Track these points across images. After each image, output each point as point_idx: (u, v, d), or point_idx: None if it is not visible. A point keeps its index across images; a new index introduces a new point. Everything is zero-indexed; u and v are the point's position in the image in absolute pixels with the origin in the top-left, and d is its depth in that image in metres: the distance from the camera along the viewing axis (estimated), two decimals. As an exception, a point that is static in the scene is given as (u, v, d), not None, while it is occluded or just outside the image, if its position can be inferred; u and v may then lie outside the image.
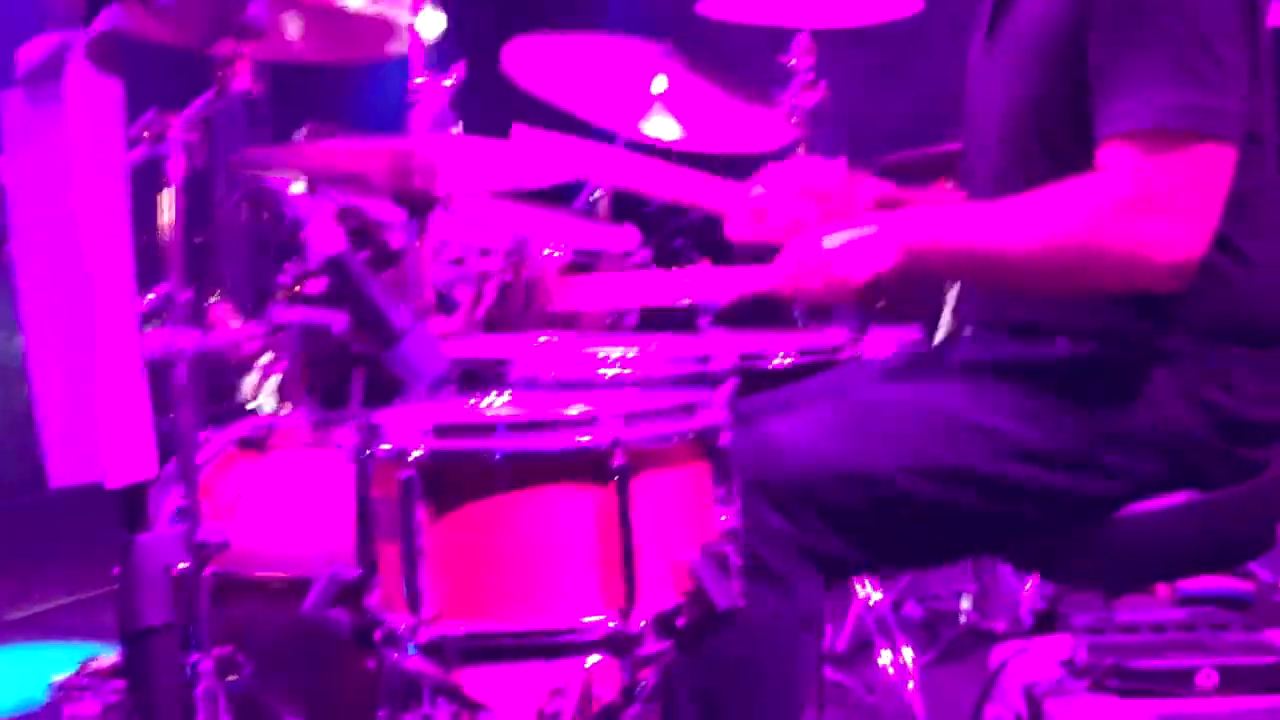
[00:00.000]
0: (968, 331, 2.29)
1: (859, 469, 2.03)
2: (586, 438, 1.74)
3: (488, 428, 1.76)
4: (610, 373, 2.17)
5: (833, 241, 2.06)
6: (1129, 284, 1.97)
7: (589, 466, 1.74)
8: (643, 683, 1.90)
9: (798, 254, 2.09)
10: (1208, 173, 1.93)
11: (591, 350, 2.28)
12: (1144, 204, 1.92)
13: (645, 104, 3.54)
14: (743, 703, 2.03)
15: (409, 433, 1.75)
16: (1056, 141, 2.06)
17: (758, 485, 1.96)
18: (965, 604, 3.73)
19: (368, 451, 1.79)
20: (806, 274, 2.08)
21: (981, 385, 2.09)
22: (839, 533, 2.04)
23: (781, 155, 3.54)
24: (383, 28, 2.88)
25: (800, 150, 3.59)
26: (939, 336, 2.56)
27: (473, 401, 1.96)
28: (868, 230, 2.06)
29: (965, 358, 2.19)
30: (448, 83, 2.78)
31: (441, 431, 1.75)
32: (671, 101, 3.55)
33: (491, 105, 2.98)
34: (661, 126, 3.56)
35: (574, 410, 1.78)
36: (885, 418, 2.09)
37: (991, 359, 2.14)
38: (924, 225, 2.07)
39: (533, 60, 3.44)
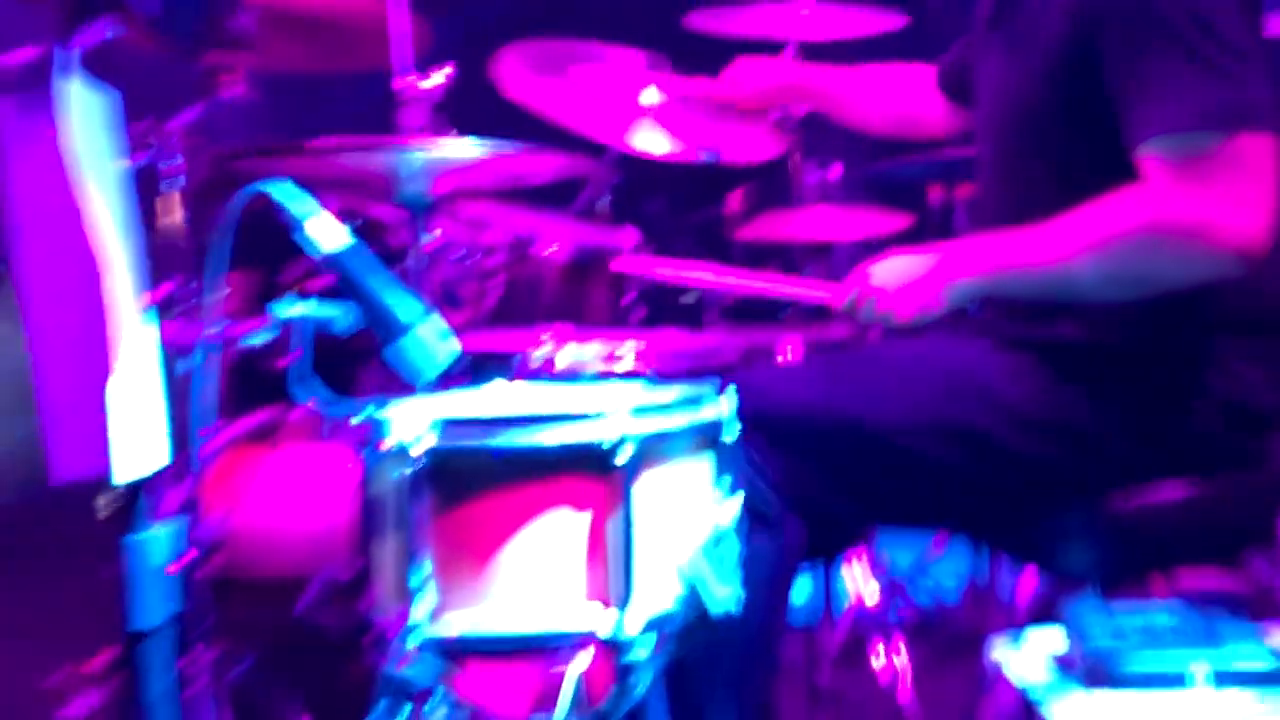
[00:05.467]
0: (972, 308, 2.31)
1: (857, 417, 2.05)
2: (591, 433, 1.74)
3: (492, 423, 1.76)
4: (615, 367, 2.18)
5: (884, 274, 2.13)
6: (1193, 274, 1.99)
7: (593, 462, 1.74)
8: (636, 683, 1.90)
9: (855, 279, 2.16)
10: (1251, 163, 1.95)
11: (596, 345, 2.28)
12: (1195, 200, 1.94)
13: (635, 115, 3.54)
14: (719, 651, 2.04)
15: (413, 428, 1.75)
16: (1048, 139, 2.09)
17: (757, 421, 1.97)
18: (959, 602, 3.74)
19: (372, 446, 1.79)
20: (860, 296, 2.14)
21: (988, 350, 2.12)
22: (832, 480, 2.06)
23: (774, 165, 3.57)
24: (371, 36, 2.89)
25: (794, 159, 3.61)
26: None
27: (477, 396, 1.97)
28: (920, 266, 2.11)
29: (973, 325, 2.21)
30: (439, 79, 2.78)
31: (445, 426, 1.75)
32: (662, 113, 3.55)
33: (481, 111, 2.99)
34: (652, 139, 3.56)
35: (579, 406, 1.78)
36: (888, 370, 2.11)
37: (997, 331, 2.16)
38: (976, 257, 2.10)
39: (523, 71, 3.44)
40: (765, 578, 2.03)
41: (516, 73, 3.39)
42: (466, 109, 2.85)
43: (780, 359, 2.43)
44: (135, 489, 1.82)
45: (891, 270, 2.12)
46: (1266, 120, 1.96)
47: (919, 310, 2.10)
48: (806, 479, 2.03)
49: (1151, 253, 1.98)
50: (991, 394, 2.06)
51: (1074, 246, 2.01)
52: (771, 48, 3.65)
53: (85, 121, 1.65)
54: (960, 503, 2.14)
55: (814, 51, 3.63)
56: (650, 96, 3.50)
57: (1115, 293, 2.06)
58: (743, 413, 1.87)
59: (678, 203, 4.25)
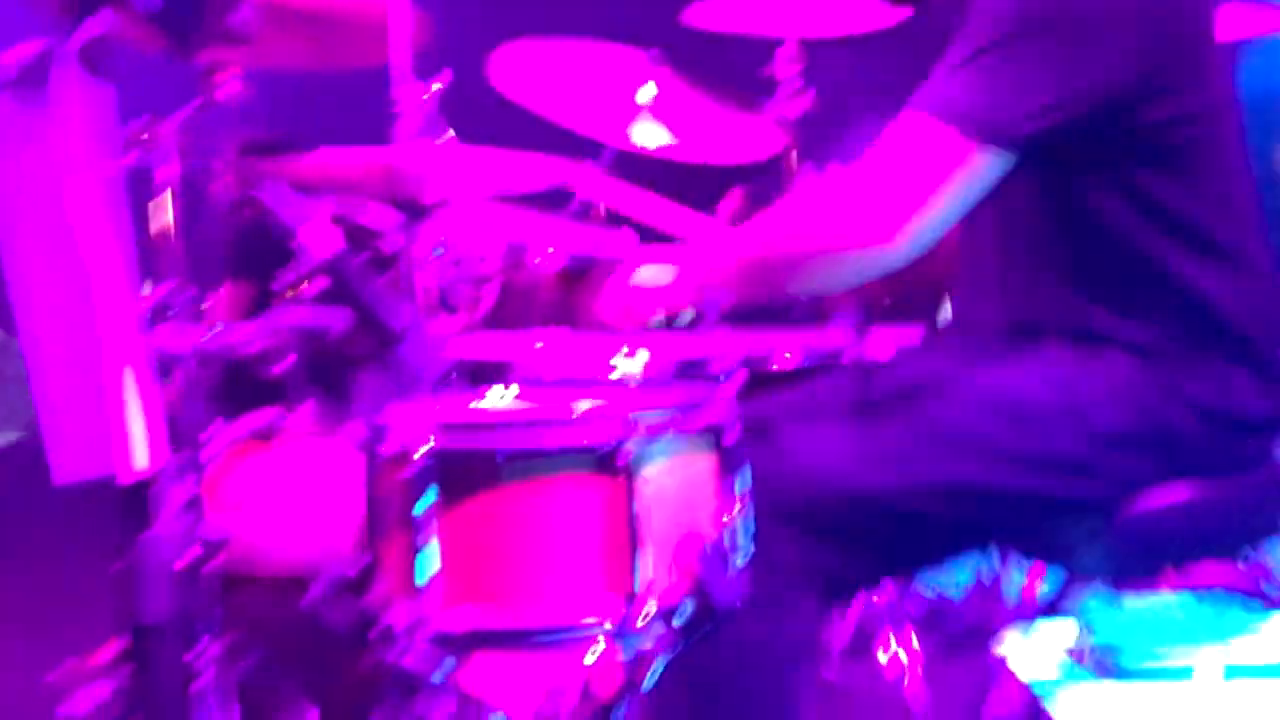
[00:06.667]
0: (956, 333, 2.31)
1: (862, 491, 2.04)
2: (592, 435, 1.73)
3: (494, 425, 1.76)
4: (615, 373, 2.18)
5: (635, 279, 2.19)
6: (847, 265, 2.04)
7: (594, 464, 1.75)
8: (642, 681, 1.90)
9: (610, 284, 2.22)
10: (948, 165, 1.95)
11: (595, 349, 2.28)
12: (867, 183, 2.00)
13: (632, 112, 3.54)
14: None
15: (416, 430, 1.74)
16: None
17: (758, 509, 1.96)
18: (967, 595, 3.73)
19: (375, 449, 1.78)
20: (608, 302, 2.21)
21: (978, 398, 2.10)
22: (845, 552, 2.05)
23: (771, 163, 3.56)
24: (369, 35, 2.89)
25: (790, 159, 3.60)
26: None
27: (479, 399, 1.96)
28: (668, 270, 2.16)
29: (959, 360, 2.20)
30: (435, 87, 2.78)
31: (448, 429, 1.75)
32: (659, 110, 3.55)
33: (478, 112, 2.99)
34: (649, 135, 3.55)
35: (580, 408, 1.78)
36: (884, 438, 2.10)
37: (983, 361, 2.15)
38: (714, 258, 2.14)
39: (519, 68, 3.44)
40: (774, 664, 2.03)
41: (512, 72, 3.38)
42: (463, 110, 2.85)
43: (778, 366, 2.42)
44: (141, 485, 1.82)
45: (640, 277, 2.18)
46: (983, 134, 1.95)
47: (656, 309, 2.13)
48: (817, 557, 2.02)
49: (818, 245, 2.05)
50: (984, 441, 2.05)
51: (777, 237, 2.08)
52: (770, 44, 3.65)
53: (81, 119, 1.64)
54: (974, 546, 2.18)
55: (814, 47, 3.63)
56: (647, 93, 3.51)
57: (807, 285, 2.14)
58: (752, 498, 1.89)
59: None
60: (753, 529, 1.89)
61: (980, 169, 1.95)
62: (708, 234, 2.22)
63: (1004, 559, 3.48)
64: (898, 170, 1.97)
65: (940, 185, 1.95)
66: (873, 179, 1.99)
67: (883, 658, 3.21)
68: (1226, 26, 3.56)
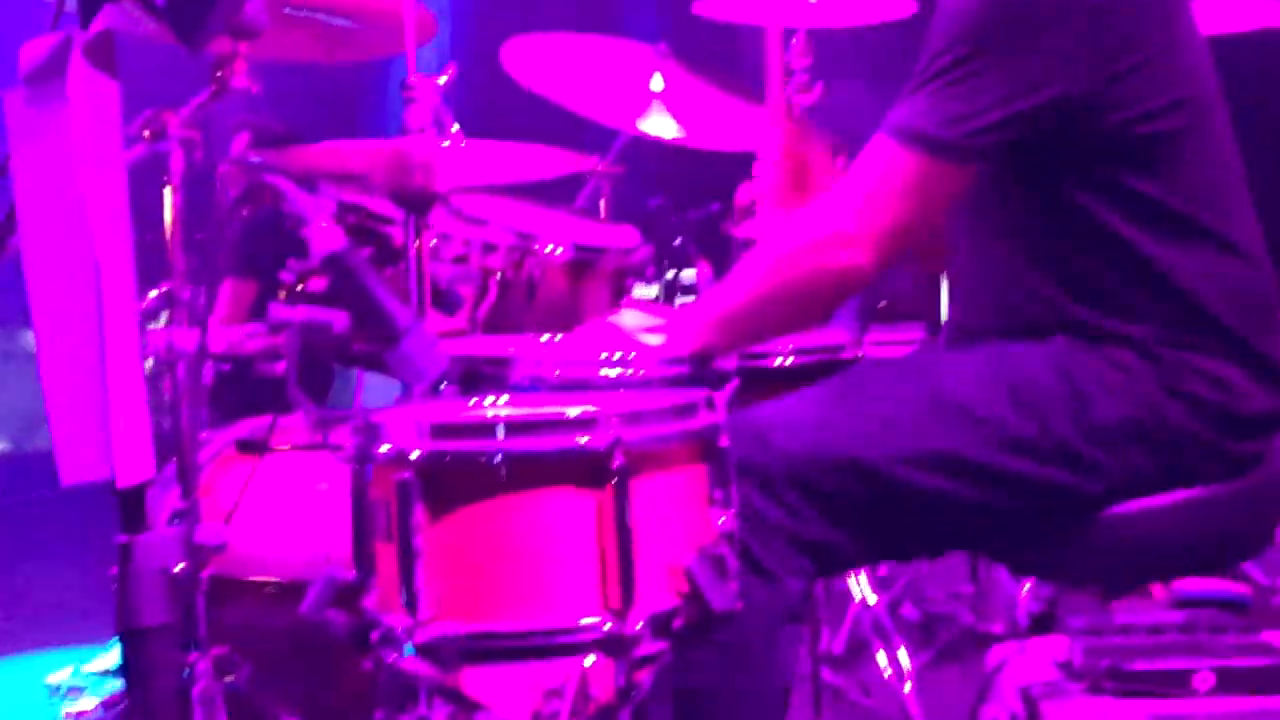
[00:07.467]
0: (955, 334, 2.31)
1: (851, 455, 2.05)
2: (585, 438, 1.73)
3: (486, 428, 1.75)
4: (611, 373, 2.18)
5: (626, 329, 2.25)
6: (824, 284, 2.09)
7: (588, 467, 1.73)
8: (639, 684, 1.90)
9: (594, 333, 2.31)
10: (900, 180, 2.04)
11: (592, 349, 2.28)
12: (837, 203, 2.07)
13: (644, 102, 3.54)
14: (725, 692, 2.05)
15: (407, 433, 1.74)
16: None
17: (750, 469, 1.97)
18: (961, 603, 3.73)
19: (366, 453, 1.78)
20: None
21: (976, 374, 2.11)
22: (831, 519, 2.05)
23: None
24: (377, 29, 2.89)
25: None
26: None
27: (472, 402, 1.96)
28: (654, 336, 2.19)
29: (959, 348, 2.20)
30: (441, 80, 2.78)
31: (439, 432, 1.75)
32: (670, 100, 3.55)
33: (489, 104, 2.99)
34: (660, 124, 3.56)
35: (573, 411, 1.78)
36: (878, 404, 2.11)
37: (983, 342, 2.16)
38: (699, 320, 2.17)
39: (531, 60, 3.44)
40: (761, 631, 2.04)
41: (525, 62, 3.39)
42: (474, 100, 2.85)
43: (778, 360, 2.43)
44: (135, 492, 1.83)
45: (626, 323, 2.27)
46: (940, 151, 2.02)
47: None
48: (806, 523, 2.03)
49: (798, 264, 2.10)
50: (975, 417, 2.06)
51: (756, 277, 2.14)
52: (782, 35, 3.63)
53: (90, 113, 1.65)
54: (959, 528, 2.14)
55: (823, 39, 3.61)
56: (657, 84, 3.51)
57: (796, 315, 2.17)
58: (738, 460, 1.88)
59: (680, 199, 4.24)
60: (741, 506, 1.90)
61: (940, 183, 2.05)
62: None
63: (997, 570, 3.49)
64: (863, 191, 2.06)
65: (902, 201, 2.04)
66: (841, 200, 2.08)
67: (878, 665, 3.23)
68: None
